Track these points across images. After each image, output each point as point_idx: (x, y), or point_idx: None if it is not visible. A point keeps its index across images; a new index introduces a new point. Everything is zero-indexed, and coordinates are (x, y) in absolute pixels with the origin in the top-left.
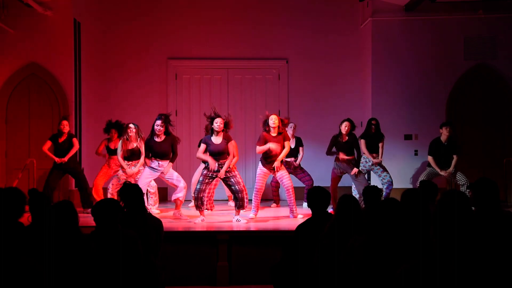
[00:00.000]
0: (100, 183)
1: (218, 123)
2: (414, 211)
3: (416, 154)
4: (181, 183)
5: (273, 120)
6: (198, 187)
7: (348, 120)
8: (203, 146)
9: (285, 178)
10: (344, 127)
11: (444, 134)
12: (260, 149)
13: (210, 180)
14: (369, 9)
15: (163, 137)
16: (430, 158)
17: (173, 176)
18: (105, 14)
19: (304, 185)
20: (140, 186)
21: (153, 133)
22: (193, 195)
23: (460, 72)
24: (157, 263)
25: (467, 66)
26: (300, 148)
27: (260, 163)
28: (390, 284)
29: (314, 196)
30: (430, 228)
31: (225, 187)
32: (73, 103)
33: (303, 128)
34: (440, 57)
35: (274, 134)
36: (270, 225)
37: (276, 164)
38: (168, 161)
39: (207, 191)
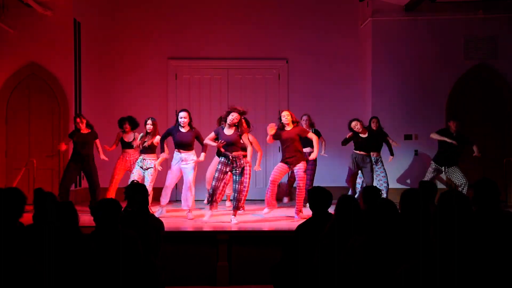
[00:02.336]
0: (119, 179)
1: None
2: (414, 211)
3: (416, 154)
4: (187, 184)
5: (286, 117)
6: (214, 183)
7: (356, 119)
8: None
9: (300, 174)
10: (355, 126)
11: (451, 128)
12: (268, 139)
13: (225, 175)
14: (369, 9)
15: (187, 128)
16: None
17: (189, 171)
18: (105, 14)
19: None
20: (169, 182)
21: (178, 124)
22: (208, 189)
23: (460, 72)
24: (157, 263)
25: (467, 66)
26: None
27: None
28: (390, 284)
29: (314, 196)
30: (430, 228)
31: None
32: (73, 103)
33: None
34: (440, 57)
35: (289, 128)
36: (270, 225)
37: (313, 156)
38: (190, 152)
39: (221, 187)
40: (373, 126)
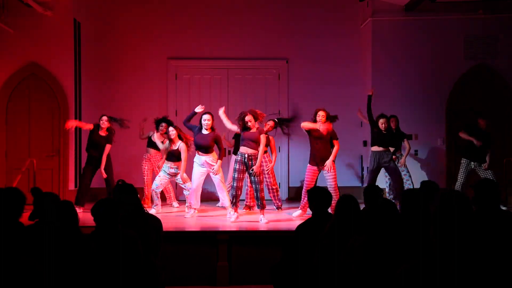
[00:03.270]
0: (150, 179)
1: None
2: (414, 211)
3: (416, 154)
4: (219, 186)
5: (321, 117)
6: (234, 184)
7: (383, 116)
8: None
9: (331, 179)
10: (381, 124)
11: (481, 124)
12: (305, 124)
13: (244, 174)
14: (369, 9)
15: (209, 130)
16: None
17: (217, 178)
18: (105, 14)
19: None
20: (195, 185)
21: (200, 126)
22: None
23: (460, 72)
24: (157, 263)
25: (467, 66)
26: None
27: (308, 164)
28: (390, 284)
29: (314, 196)
30: (430, 228)
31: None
32: (73, 103)
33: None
34: (440, 57)
35: (323, 127)
36: (270, 225)
37: (328, 163)
38: (210, 154)
39: (242, 187)
40: (392, 125)
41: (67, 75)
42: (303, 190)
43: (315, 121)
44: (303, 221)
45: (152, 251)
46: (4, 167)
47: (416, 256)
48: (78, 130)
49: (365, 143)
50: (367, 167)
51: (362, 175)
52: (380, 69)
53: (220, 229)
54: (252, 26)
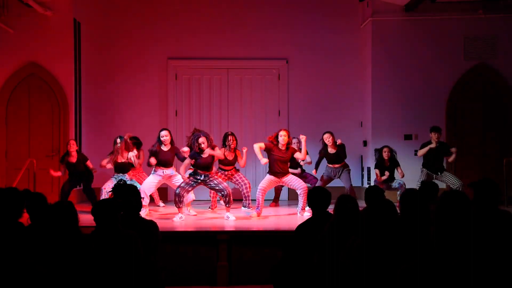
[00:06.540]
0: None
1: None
2: (414, 212)
3: (416, 154)
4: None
5: (283, 137)
6: (177, 191)
7: (329, 132)
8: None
9: (294, 181)
10: (327, 138)
11: (433, 139)
12: (256, 148)
13: (193, 185)
14: (369, 9)
15: (169, 146)
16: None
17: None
18: (105, 14)
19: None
20: (144, 189)
21: (159, 142)
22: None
23: (460, 72)
24: (157, 263)
25: (467, 66)
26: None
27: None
28: (390, 284)
29: (314, 196)
30: (430, 228)
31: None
32: (73, 103)
33: (302, 127)
34: (440, 57)
35: (282, 149)
36: (270, 225)
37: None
38: (172, 168)
39: (186, 194)
40: (385, 156)
41: (67, 75)
42: None
43: (275, 141)
44: (303, 221)
45: (152, 251)
46: (4, 167)
47: (416, 256)
48: (78, 130)
49: (365, 143)
50: (367, 167)
51: (362, 175)
52: (380, 69)
53: (220, 229)
54: (252, 26)
